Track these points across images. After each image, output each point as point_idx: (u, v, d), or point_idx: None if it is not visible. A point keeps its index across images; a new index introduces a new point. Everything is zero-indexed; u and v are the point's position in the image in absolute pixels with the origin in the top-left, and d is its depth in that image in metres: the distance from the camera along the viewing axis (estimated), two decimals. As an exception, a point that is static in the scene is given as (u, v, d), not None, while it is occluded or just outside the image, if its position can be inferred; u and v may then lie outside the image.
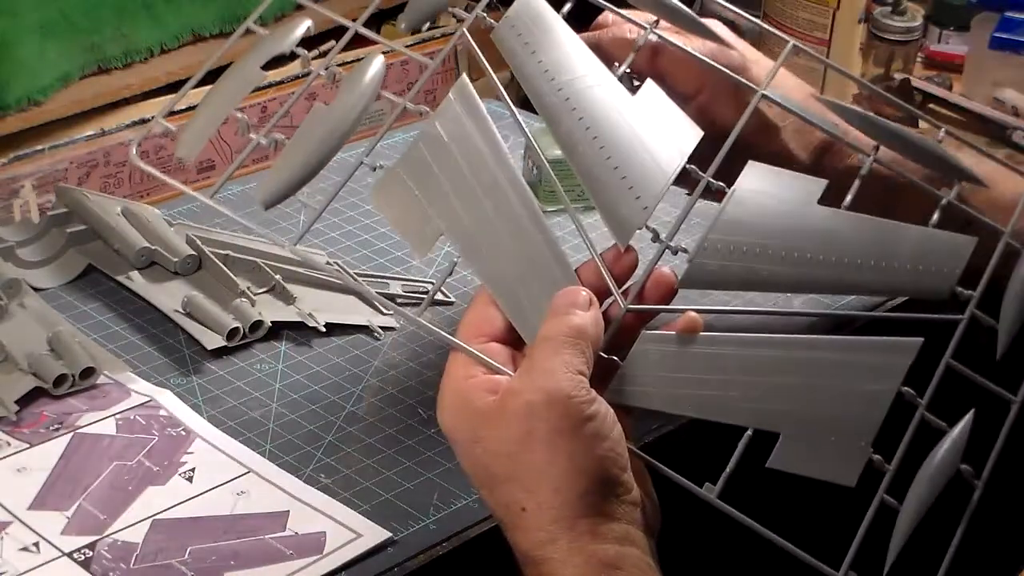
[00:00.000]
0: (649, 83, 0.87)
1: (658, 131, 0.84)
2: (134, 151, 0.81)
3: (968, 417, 0.75)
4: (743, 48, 0.93)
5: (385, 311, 1.06)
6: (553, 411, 0.70)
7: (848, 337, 0.77)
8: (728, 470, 0.73)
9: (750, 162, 0.84)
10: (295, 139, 0.81)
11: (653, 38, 0.90)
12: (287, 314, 1.05)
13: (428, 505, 0.89)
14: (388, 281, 1.11)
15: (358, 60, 0.84)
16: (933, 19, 1.59)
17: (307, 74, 0.86)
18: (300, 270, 1.09)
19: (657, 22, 0.91)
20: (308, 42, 0.85)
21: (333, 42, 0.85)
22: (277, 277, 1.07)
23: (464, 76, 0.84)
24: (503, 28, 0.87)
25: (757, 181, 0.83)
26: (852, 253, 0.80)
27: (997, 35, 1.47)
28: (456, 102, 0.82)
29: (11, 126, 1.40)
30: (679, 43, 0.90)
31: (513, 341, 0.76)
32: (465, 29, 0.86)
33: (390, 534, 0.86)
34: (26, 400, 0.95)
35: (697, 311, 0.77)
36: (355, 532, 0.86)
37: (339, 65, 0.85)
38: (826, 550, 0.72)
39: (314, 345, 1.04)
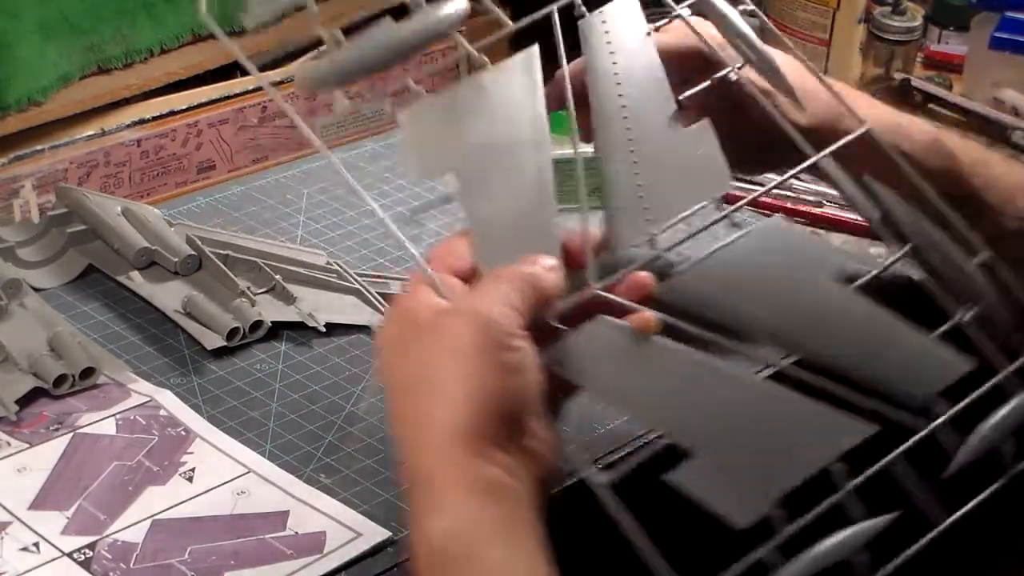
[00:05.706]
0: (705, 122, 0.86)
1: (693, 170, 0.84)
2: None
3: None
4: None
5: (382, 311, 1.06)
6: (475, 328, 0.72)
7: (802, 397, 0.73)
8: (627, 468, 0.71)
9: (775, 216, 0.84)
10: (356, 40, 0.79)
11: (686, 13, 0.88)
12: (287, 314, 1.05)
13: (428, 505, 0.89)
14: (388, 281, 1.11)
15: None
16: (933, 19, 1.58)
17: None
18: (300, 270, 1.09)
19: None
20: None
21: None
22: (277, 277, 1.07)
23: (535, 47, 0.84)
24: (593, 17, 0.87)
25: (771, 238, 0.81)
26: (843, 332, 0.77)
27: (997, 35, 1.47)
28: (517, 64, 0.83)
29: (11, 126, 1.39)
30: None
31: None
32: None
33: (390, 534, 0.86)
34: (26, 400, 0.95)
35: (657, 315, 0.76)
36: (355, 532, 0.86)
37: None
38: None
39: (314, 345, 1.04)
